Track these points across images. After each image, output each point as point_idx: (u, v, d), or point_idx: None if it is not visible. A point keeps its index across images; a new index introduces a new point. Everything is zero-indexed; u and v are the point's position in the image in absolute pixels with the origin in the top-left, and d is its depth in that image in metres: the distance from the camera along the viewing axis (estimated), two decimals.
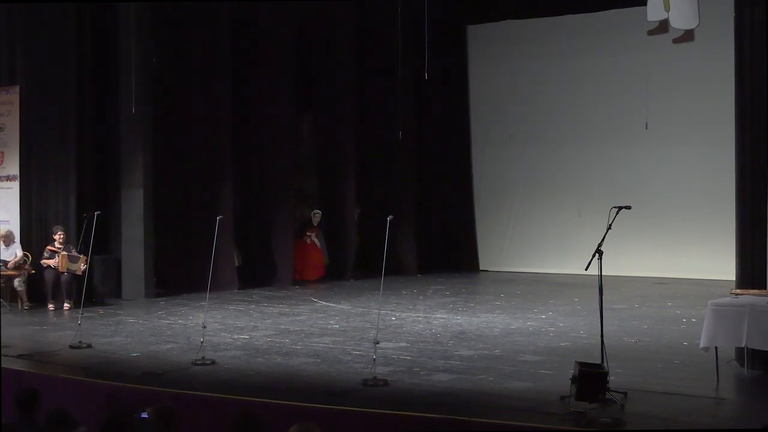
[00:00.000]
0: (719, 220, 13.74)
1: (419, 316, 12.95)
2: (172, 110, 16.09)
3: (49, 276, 13.97)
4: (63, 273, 13.88)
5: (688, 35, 15.42)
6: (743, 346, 8.71)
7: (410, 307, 13.95)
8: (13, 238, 14.23)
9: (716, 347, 8.80)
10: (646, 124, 15.28)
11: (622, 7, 16.70)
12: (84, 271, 13.74)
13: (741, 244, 9.44)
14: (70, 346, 10.61)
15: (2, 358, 9.31)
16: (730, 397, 8.46)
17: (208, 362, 9.62)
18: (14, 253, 14.09)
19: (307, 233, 17.59)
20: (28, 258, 14.22)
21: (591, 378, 7.50)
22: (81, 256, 13.83)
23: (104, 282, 15.04)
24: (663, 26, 14.59)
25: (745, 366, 8.91)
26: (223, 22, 16.24)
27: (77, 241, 13.96)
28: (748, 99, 9.35)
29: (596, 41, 17.98)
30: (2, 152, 14.78)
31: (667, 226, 17.12)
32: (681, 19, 12.53)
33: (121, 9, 15.10)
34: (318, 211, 17.88)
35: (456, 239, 19.54)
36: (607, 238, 8.07)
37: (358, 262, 18.05)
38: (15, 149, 14.60)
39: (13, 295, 14.00)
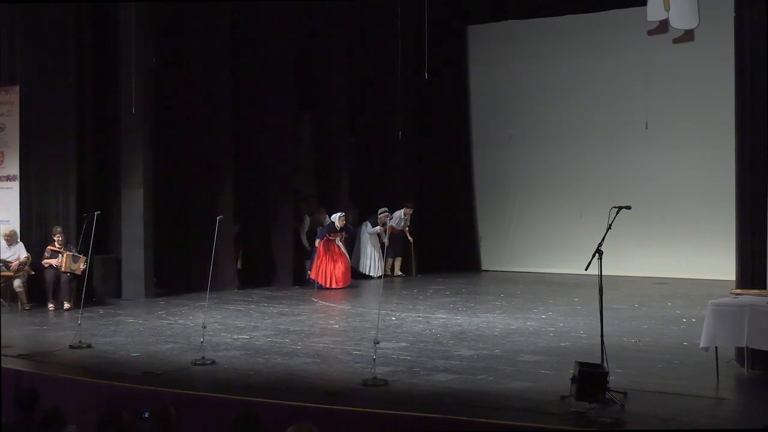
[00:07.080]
0: (719, 220, 13.75)
1: (419, 316, 12.94)
2: (172, 110, 16.09)
3: (49, 276, 13.96)
4: (65, 273, 13.86)
5: (688, 35, 15.43)
6: (743, 346, 8.70)
7: (410, 307, 13.94)
8: (17, 237, 14.20)
9: (716, 347, 8.80)
10: (646, 124, 15.28)
11: (622, 7, 16.72)
12: (84, 271, 13.74)
13: (741, 244, 9.42)
14: (70, 346, 10.60)
15: (2, 358, 9.30)
16: (730, 397, 8.45)
17: (208, 362, 9.61)
18: (17, 253, 14.07)
19: (330, 236, 16.51)
20: (28, 258, 14.20)
21: (591, 378, 7.49)
22: (81, 256, 13.82)
23: (104, 282, 15.06)
24: (663, 26, 14.60)
25: (745, 366, 8.89)
26: (223, 23, 16.24)
27: (77, 241, 13.94)
28: (748, 99, 9.33)
29: (596, 41, 17.98)
30: (2, 152, 14.77)
31: (667, 226, 17.12)
32: (681, 19, 12.56)
33: (121, 9, 15.10)
34: (342, 213, 16.76)
35: (457, 239, 19.52)
36: (607, 238, 8.05)
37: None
38: (15, 149, 14.59)
39: (13, 296, 13.98)
